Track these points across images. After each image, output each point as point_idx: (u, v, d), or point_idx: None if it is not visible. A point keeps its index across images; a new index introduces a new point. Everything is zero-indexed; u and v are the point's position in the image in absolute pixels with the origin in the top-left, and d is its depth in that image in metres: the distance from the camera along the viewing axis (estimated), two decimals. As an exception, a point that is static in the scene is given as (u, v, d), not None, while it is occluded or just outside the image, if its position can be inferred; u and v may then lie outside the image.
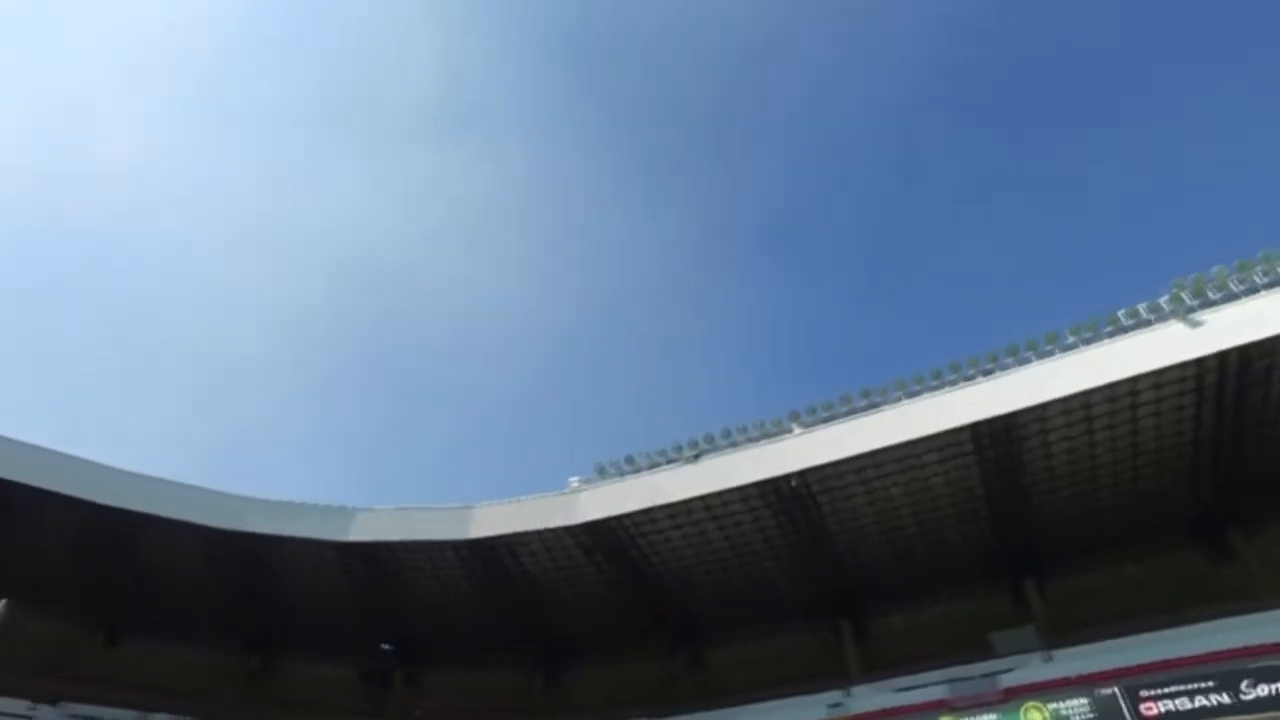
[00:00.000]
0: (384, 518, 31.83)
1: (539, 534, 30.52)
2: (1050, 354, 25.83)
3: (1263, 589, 26.47)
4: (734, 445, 28.25)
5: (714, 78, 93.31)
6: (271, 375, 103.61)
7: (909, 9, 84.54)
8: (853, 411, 27.07)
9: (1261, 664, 22.27)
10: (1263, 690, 21.59)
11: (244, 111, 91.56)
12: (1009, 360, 26.06)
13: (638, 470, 29.80)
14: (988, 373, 26.07)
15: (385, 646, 35.41)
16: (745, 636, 33.34)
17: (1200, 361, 24.09)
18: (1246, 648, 23.20)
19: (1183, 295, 25.31)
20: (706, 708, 31.27)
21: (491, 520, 30.82)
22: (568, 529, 29.95)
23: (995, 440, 25.77)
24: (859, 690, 28.85)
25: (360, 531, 31.28)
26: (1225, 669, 22.59)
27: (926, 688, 27.44)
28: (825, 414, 27.47)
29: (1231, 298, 24.87)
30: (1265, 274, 24.61)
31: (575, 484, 30.42)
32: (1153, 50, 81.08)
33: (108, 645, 33.87)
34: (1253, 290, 24.59)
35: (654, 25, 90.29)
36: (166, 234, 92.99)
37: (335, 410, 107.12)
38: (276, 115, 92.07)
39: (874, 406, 26.80)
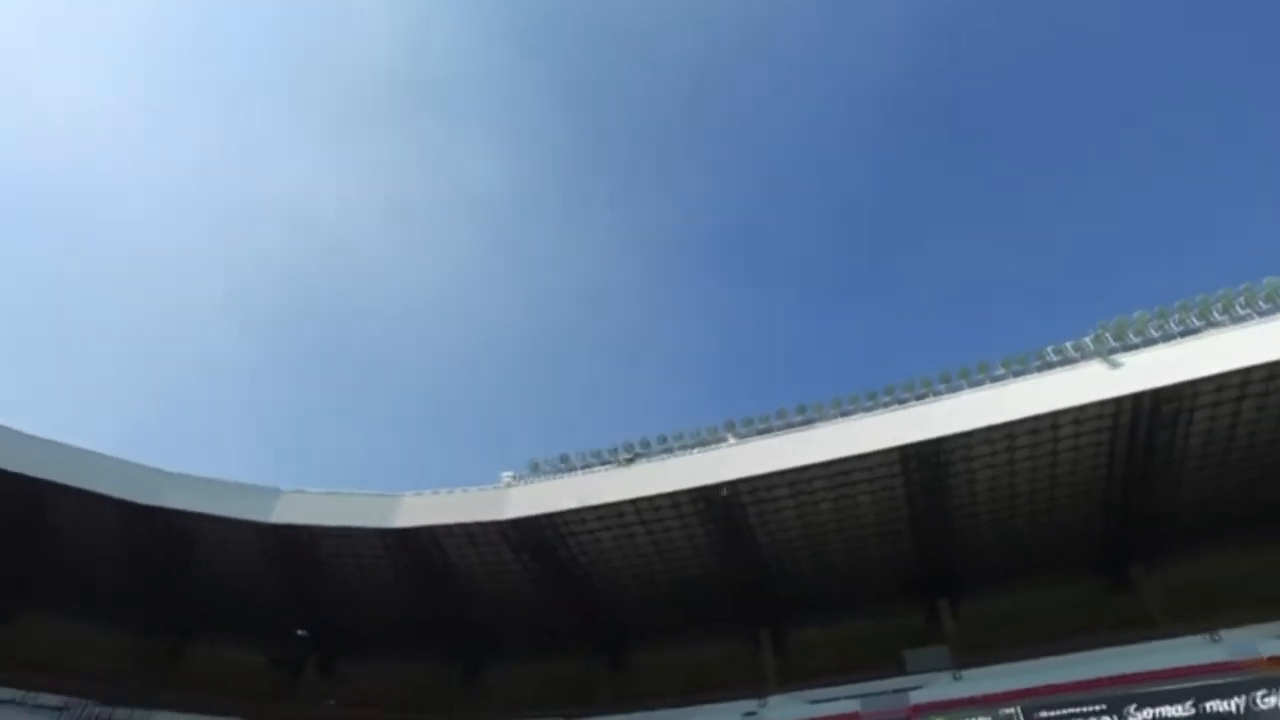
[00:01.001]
0: (310, 501, 30.97)
1: (467, 527, 30.12)
2: (980, 383, 26.63)
3: (1156, 620, 27.83)
4: (668, 451, 28.38)
5: (679, 82, 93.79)
6: (205, 349, 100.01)
7: (871, 35, 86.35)
8: (788, 426, 27.46)
9: (1148, 690, 23.45)
10: (1146, 714, 22.77)
11: (195, 79, 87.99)
12: (941, 387, 26.78)
13: (571, 470, 29.66)
14: (920, 397, 26.74)
15: (300, 632, 34.44)
16: (668, 641, 33.45)
17: (1118, 401, 25.16)
18: (1136, 674, 24.44)
19: (1106, 336, 26.44)
20: (625, 710, 31.30)
21: (420, 510, 30.29)
22: (497, 524, 29.63)
23: (923, 464, 26.43)
24: (774, 700, 29.27)
25: (284, 514, 30.37)
26: (1115, 694, 23.74)
27: (839, 701, 27.99)
28: (761, 426, 27.79)
29: (1149, 343, 26.09)
30: (1180, 322, 25.87)
31: (507, 479, 30.12)
32: (1096, 98, 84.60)
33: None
34: (1168, 337, 25.85)
35: (625, 24, 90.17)
36: (104, 198, 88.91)
37: (269, 389, 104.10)
38: (230, 84, 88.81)
39: (809, 422, 27.23)
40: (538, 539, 30.09)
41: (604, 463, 29.17)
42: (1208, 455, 26.78)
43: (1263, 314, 25.23)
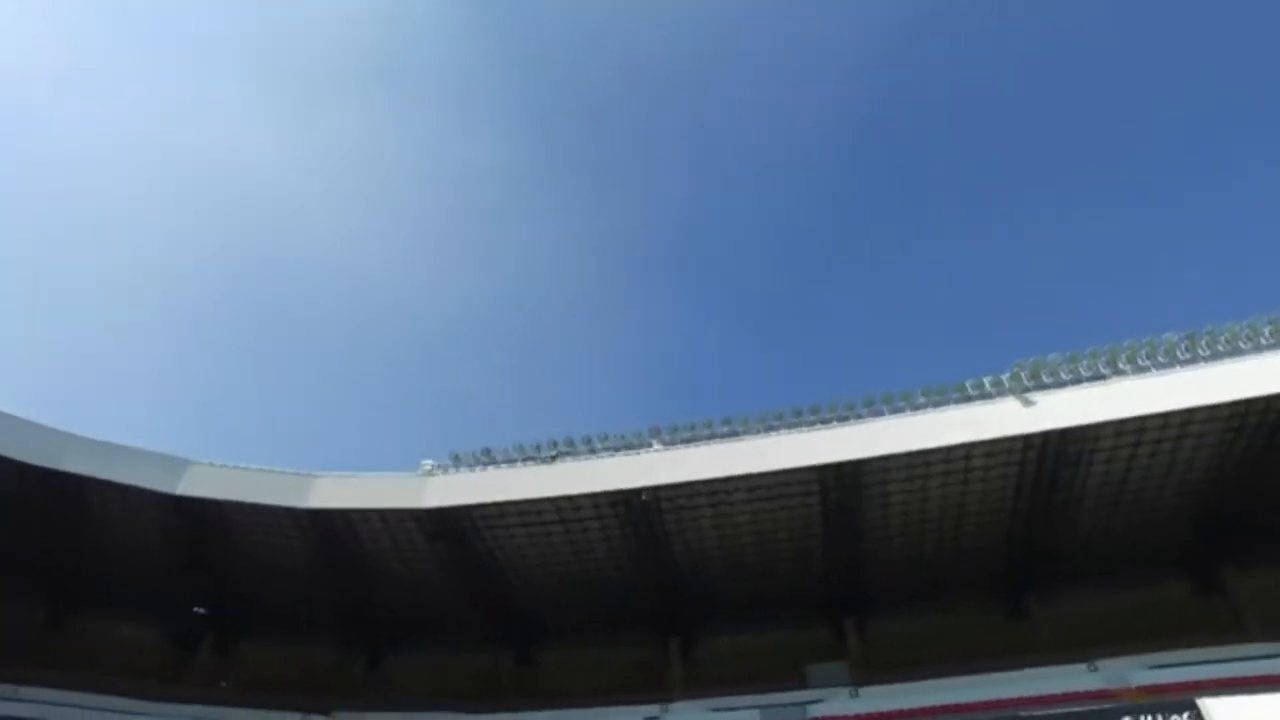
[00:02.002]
0: (219, 475, 29.75)
1: (383, 513, 29.48)
2: (901, 410, 27.39)
3: (1045, 647, 29.17)
4: (593, 452, 28.34)
5: (642, 91, 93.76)
6: (123, 309, 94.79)
7: (826, 61, 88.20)
8: (713, 436, 27.76)
9: (1034, 713, 24.55)
10: (1028, 737, 23.89)
11: (141, 32, 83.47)
12: (864, 410, 27.46)
13: (494, 463, 29.33)
14: (843, 419, 27.35)
15: (198, 610, 33.14)
16: (578, 641, 33.41)
17: (1027, 438, 26.28)
18: (1023, 698, 25.62)
19: (1022, 375, 27.51)
20: (530, 708, 31.12)
21: (335, 492, 29.46)
22: (413, 512, 29.06)
23: (840, 484, 27.07)
24: (677, 706, 29.55)
25: (191, 485, 29.09)
26: (1003, 716, 24.79)
27: (739, 711, 28.47)
28: (687, 435, 28.02)
29: (1060, 384, 27.27)
30: (1089, 368, 27.14)
31: (428, 468, 29.59)
32: (1041, 138, 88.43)
33: None
34: (1077, 380, 27.07)
35: (596, 24, 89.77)
36: (32, 141, 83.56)
37: (188, 355, 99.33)
38: (175, 39, 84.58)
39: (734, 435, 27.57)
40: (454, 530, 29.66)
41: (527, 459, 28.94)
42: (1102, 496, 28.21)
43: (1160, 367, 26.73)
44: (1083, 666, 27.60)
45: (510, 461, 29.38)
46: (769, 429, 27.42)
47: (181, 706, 30.09)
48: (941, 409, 27.22)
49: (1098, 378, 27.37)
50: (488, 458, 29.55)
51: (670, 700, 30.06)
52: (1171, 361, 27.06)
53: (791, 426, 27.40)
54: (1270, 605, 28.08)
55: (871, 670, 29.92)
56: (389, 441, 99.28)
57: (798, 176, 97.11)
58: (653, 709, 29.63)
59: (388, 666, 34.96)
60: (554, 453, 28.41)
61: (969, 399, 27.39)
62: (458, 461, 30.07)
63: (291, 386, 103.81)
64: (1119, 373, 27.31)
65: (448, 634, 33.82)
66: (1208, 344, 26.91)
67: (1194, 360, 26.86)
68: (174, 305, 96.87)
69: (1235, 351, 26.70)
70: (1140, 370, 27.21)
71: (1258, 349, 26.28)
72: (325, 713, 30.42)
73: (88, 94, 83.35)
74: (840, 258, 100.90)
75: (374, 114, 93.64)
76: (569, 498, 28.00)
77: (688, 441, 27.73)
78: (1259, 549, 28.84)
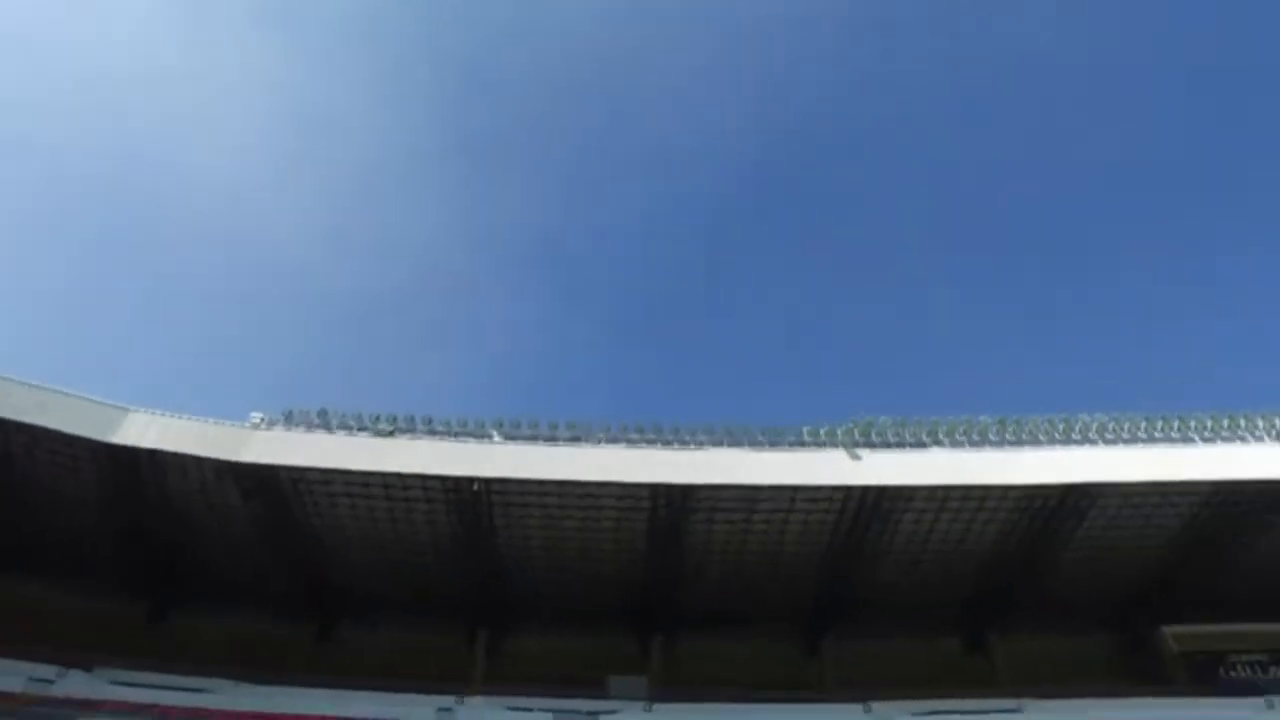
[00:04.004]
0: (15, 394, 26.90)
1: (199, 460, 27.62)
2: (739, 444, 28.57)
3: (830, 686, 31.25)
4: (433, 434, 27.78)
5: (550, 84, 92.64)
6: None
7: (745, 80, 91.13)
8: (555, 439, 27.88)
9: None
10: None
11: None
12: (704, 438, 28.44)
13: (328, 428, 28.13)
14: (684, 443, 28.20)
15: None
16: (383, 622, 32.48)
17: (849, 489, 28.08)
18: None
19: (854, 431, 29.45)
20: (323, 684, 29.87)
21: (147, 430, 27.23)
22: (232, 464, 27.38)
23: (671, 505, 27.84)
24: (474, 701, 29.25)
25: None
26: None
27: (534, 713, 28.60)
28: (530, 433, 28.00)
29: (886, 445, 29.36)
30: (912, 435, 29.38)
31: (257, 420, 28.00)
32: (922, 197, 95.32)
33: None
34: (901, 444, 29.23)
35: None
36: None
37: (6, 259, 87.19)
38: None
39: (575, 440, 27.81)
40: (274, 491, 28.17)
41: (363, 429, 27.97)
42: (905, 552, 30.55)
43: (973, 444, 29.32)
44: (859, 707, 29.69)
45: (346, 429, 28.26)
46: (611, 440, 27.88)
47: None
48: (777, 449, 28.65)
49: (919, 445, 29.65)
50: (322, 421, 28.31)
51: (468, 693, 29.78)
52: (982, 441, 29.74)
53: (633, 442, 27.99)
54: (1021, 667, 31.62)
55: (670, 688, 30.84)
56: (218, 387, 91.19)
57: (684, 205, 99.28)
58: (449, 699, 29.23)
59: (175, 621, 32.60)
60: (391, 428, 27.63)
61: (803, 444, 28.97)
62: (290, 419, 28.61)
63: (116, 307, 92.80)
64: (938, 443, 29.71)
65: (248, 597, 31.94)
66: (1013, 430, 29.82)
67: (1000, 444, 29.66)
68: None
69: (1034, 441, 29.73)
70: (956, 444, 29.72)
71: (1051, 442, 29.41)
72: (88, 669, 28.01)
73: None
74: (710, 288, 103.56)
75: (267, 52, 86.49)
76: (400, 476, 27.25)
77: (529, 439, 27.72)
78: (1018, 619, 32.27)
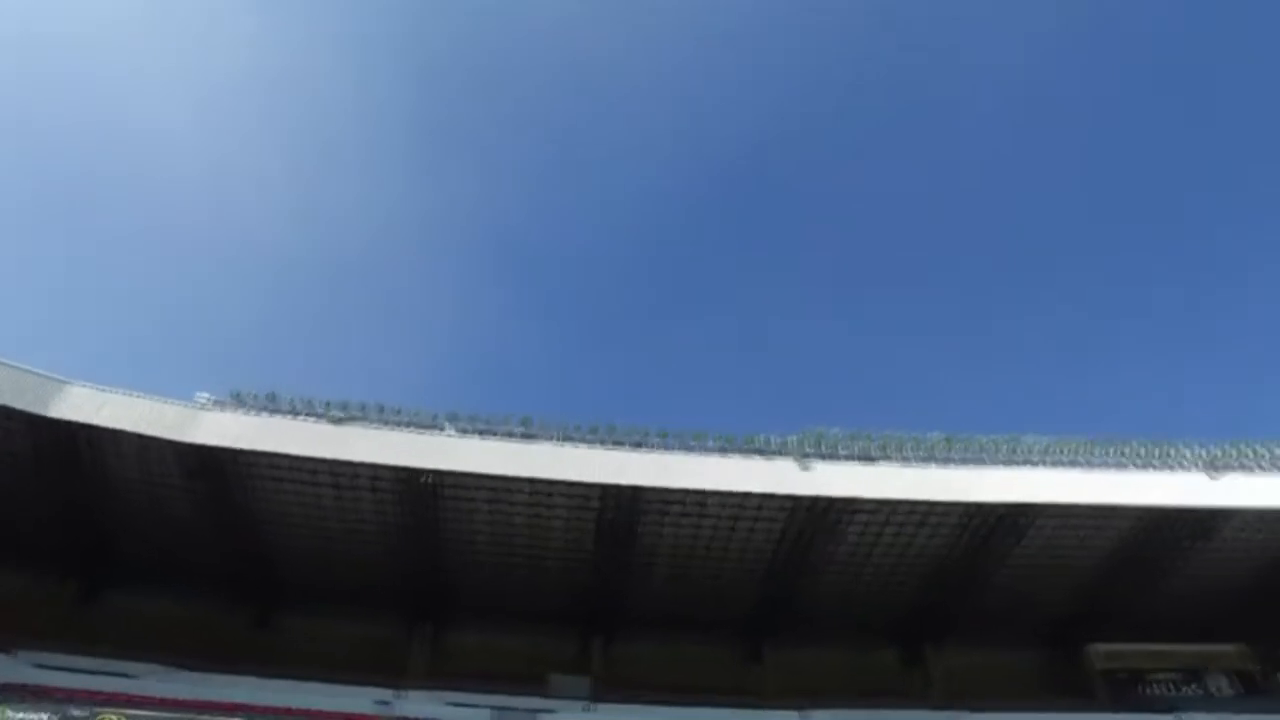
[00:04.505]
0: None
1: (142, 438, 26.89)
2: (693, 449, 28.81)
3: (770, 692, 31.68)
4: (384, 423, 27.43)
5: (524, 77, 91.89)
6: None
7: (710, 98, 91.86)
8: (508, 435, 27.77)
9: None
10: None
11: None
12: (657, 441, 28.63)
13: (278, 412, 27.62)
14: (636, 445, 28.33)
15: None
16: (324, 612, 31.97)
17: (798, 499, 28.49)
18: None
19: (805, 442, 29.89)
20: (261, 673, 29.27)
21: (87, 404, 26.44)
22: (175, 444, 26.74)
23: (620, 506, 28.00)
24: (413, 695, 29.02)
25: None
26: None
27: (473, 708, 28.48)
28: (482, 427, 27.84)
29: (836, 457, 29.87)
30: (862, 449, 29.95)
31: (204, 400, 27.39)
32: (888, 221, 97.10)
33: None
34: (851, 457, 29.77)
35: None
36: None
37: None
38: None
39: (528, 437, 27.75)
40: (218, 472, 27.61)
41: (314, 414, 27.53)
42: (849, 564, 31.14)
43: (920, 461, 29.96)
44: (796, 715, 30.18)
45: (295, 414, 27.78)
46: (564, 439, 27.88)
47: None
48: (729, 456, 28.94)
49: (868, 458, 30.21)
50: (272, 404, 27.80)
51: (408, 686, 29.52)
52: (930, 458, 30.40)
53: (586, 441, 28.03)
54: (955, 679, 32.49)
55: (611, 688, 30.92)
56: (158, 360, 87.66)
57: (651, 206, 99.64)
58: (387, 692, 28.96)
59: (107, 604, 31.63)
60: (343, 415, 27.23)
61: (755, 452, 29.30)
62: (239, 401, 28.04)
63: (52, 270, 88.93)
64: (886, 458, 30.28)
65: (185, 580, 31.16)
66: (960, 449, 30.55)
67: (947, 461, 30.36)
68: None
69: (979, 460, 30.49)
70: (904, 460, 30.33)
71: (995, 461, 30.22)
72: (8, 652, 27.03)
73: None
74: (670, 292, 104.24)
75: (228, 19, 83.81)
76: (350, 464, 26.94)
77: (482, 434, 27.57)
78: (954, 633, 33.13)
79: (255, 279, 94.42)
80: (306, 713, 27.39)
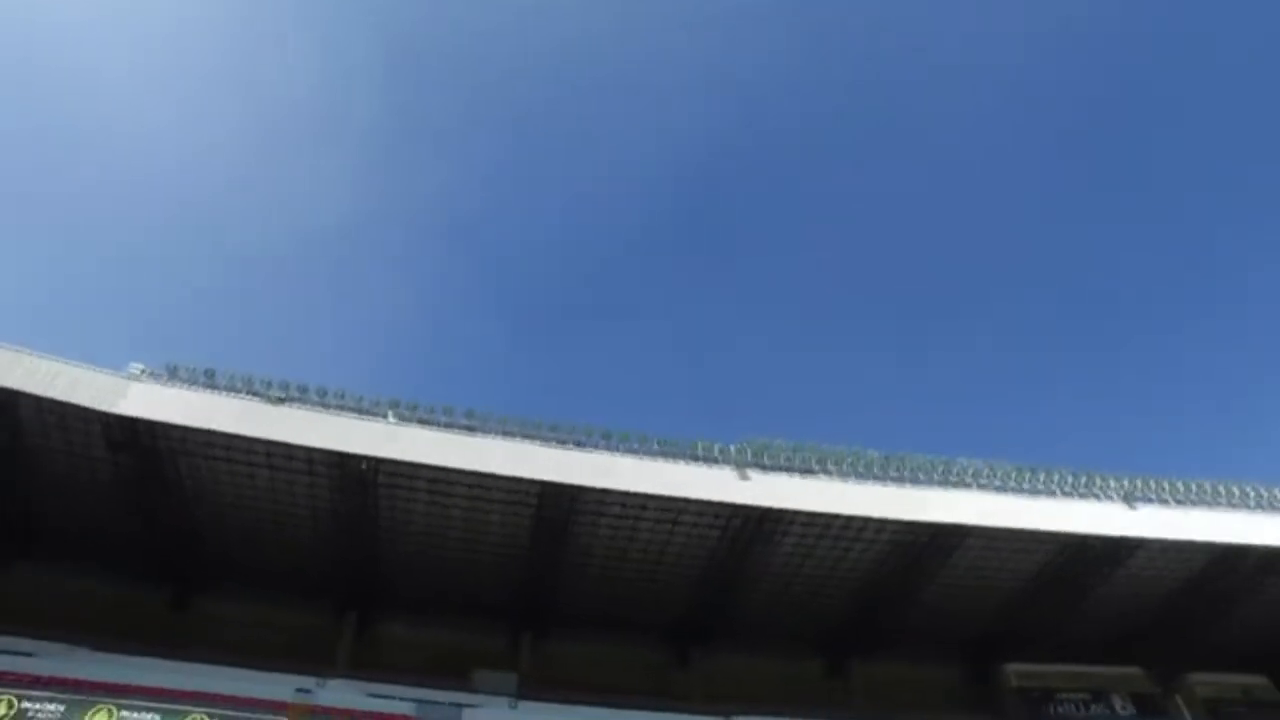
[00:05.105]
0: None
1: (66, 405, 25.87)
2: (634, 451, 28.99)
3: (696, 698, 32.07)
4: (324, 407, 26.94)
5: (487, 67, 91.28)
6: None
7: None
8: (451, 425, 27.53)
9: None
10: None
11: None
12: (600, 441, 28.74)
13: (215, 388, 26.91)
14: (580, 444, 28.39)
15: None
16: (246, 596, 31.14)
17: (736, 507, 28.81)
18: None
19: (747, 451, 30.35)
20: (173, 655, 28.41)
21: (8, 368, 25.43)
22: (103, 414, 25.81)
23: (559, 505, 27.92)
24: (335, 684, 28.45)
25: None
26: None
27: (395, 700, 28.00)
28: (425, 416, 27.56)
29: (777, 468, 30.38)
30: (803, 460, 30.58)
31: (137, 371, 26.50)
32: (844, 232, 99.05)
33: None
34: (791, 469, 30.33)
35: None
36: None
37: None
38: None
39: (472, 430, 27.56)
40: (147, 447, 26.67)
41: (253, 393, 26.87)
42: (782, 574, 31.65)
43: (858, 476, 30.67)
44: None
45: (234, 390, 27.09)
46: (506, 434, 27.79)
47: None
48: (670, 460, 29.16)
49: (808, 471, 30.81)
50: (208, 379, 27.05)
51: (331, 675, 28.98)
52: (867, 474, 31.13)
53: (530, 437, 27.97)
54: (877, 692, 33.43)
55: (538, 686, 30.84)
56: (90, 332, 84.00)
57: (608, 206, 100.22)
58: (309, 680, 28.33)
59: (15, 577, 30.32)
60: (282, 395, 26.65)
61: (696, 458, 29.61)
62: (174, 375, 27.22)
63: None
64: (825, 471, 30.93)
65: (98, 555, 30.03)
66: (896, 467, 31.37)
67: (884, 478, 31.11)
68: None
69: (915, 479, 31.34)
70: (843, 475, 31.00)
71: (930, 482, 31.10)
72: None
73: None
74: (621, 294, 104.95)
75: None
76: (286, 445, 26.24)
77: (424, 423, 27.29)
78: (879, 647, 34.02)
79: (200, 254, 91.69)
80: (223, 698, 26.57)
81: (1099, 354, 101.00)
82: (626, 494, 27.98)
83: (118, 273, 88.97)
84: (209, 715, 25.51)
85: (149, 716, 25.23)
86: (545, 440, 28.01)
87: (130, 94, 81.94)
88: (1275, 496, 32.24)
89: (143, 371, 26.74)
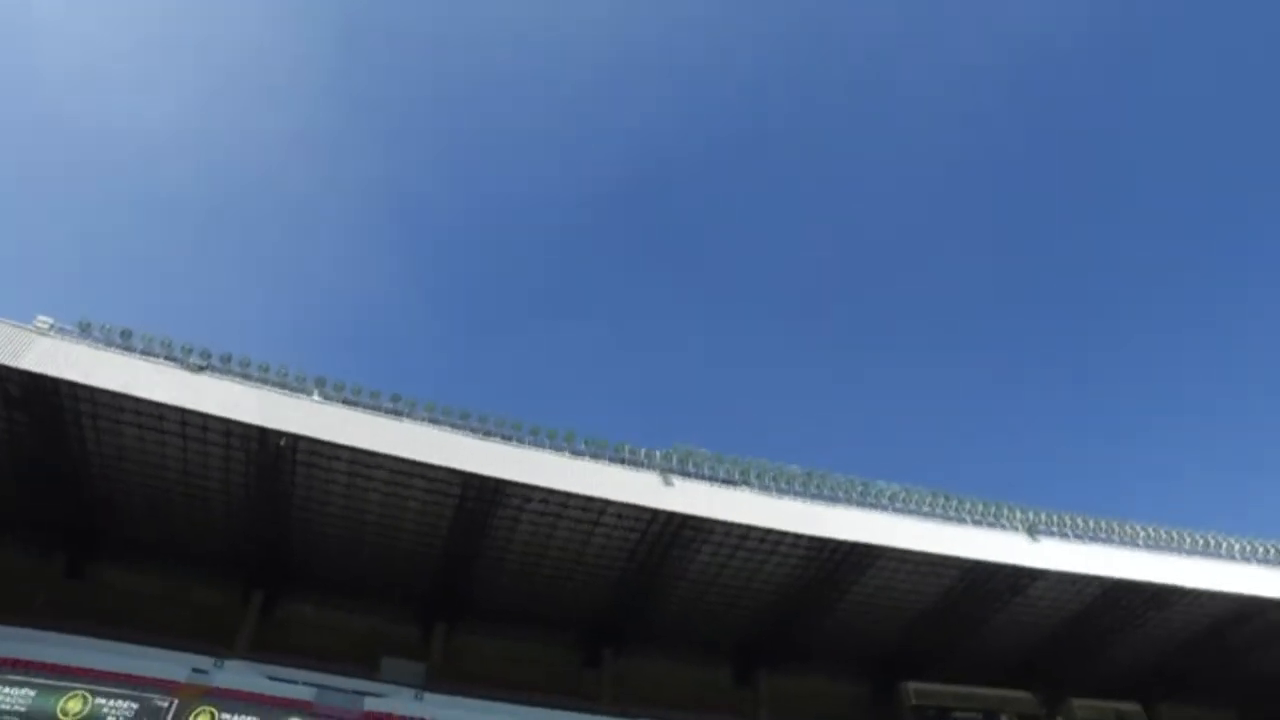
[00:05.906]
0: None
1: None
2: (560, 449, 29.03)
3: (607, 699, 32.22)
4: (246, 378, 26.18)
5: (450, 49, 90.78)
6: None
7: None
8: (376, 409, 27.14)
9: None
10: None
11: None
12: (527, 436, 28.74)
13: (129, 350, 25.86)
14: (506, 438, 28.33)
15: None
16: (152, 569, 30.04)
17: (656, 512, 29.06)
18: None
19: (673, 457, 30.71)
20: (62, 628, 27.03)
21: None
22: (4, 367, 24.53)
23: (481, 496, 27.77)
24: (234, 665, 27.61)
25: None
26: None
27: (296, 685, 27.31)
28: (350, 397, 27.07)
29: (700, 476, 30.81)
30: (726, 471, 31.04)
31: (44, 325, 25.28)
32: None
33: None
34: (714, 478, 30.77)
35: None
36: None
37: None
38: None
39: (397, 414, 27.22)
40: (51, 405, 25.49)
41: (170, 358, 25.92)
42: (698, 581, 32.05)
43: (780, 492, 31.29)
44: (625, 720, 30.77)
45: (151, 354, 26.10)
46: (433, 421, 27.51)
47: None
48: (595, 460, 29.29)
49: (730, 481, 31.30)
50: (124, 340, 25.98)
51: (231, 655, 28.10)
52: (788, 489, 31.77)
53: (456, 427, 27.76)
54: (782, 703, 34.12)
55: (447, 678, 30.52)
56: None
57: (558, 201, 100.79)
58: (206, 660, 27.41)
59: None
60: (203, 363, 25.81)
61: (622, 460, 29.81)
62: (86, 331, 26.07)
63: None
64: (747, 483, 31.46)
65: (-7, 519, 28.60)
66: (816, 484, 32.10)
67: (804, 494, 31.79)
68: None
69: (833, 497, 32.12)
70: (764, 488, 31.56)
71: (848, 501, 31.93)
72: None
73: None
74: (558, 291, 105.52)
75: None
76: (201, 415, 25.41)
77: (350, 404, 26.82)
78: (786, 658, 34.75)
79: (120, 201, 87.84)
80: (110, 675, 25.42)
81: (1009, 386, 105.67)
82: (550, 491, 27.92)
83: (30, 222, 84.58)
84: (90, 693, 24.43)
85: (23, 692, 24.10)
86: (472, 431, 27.85)
87: (64, 39, 78.30)
88: (1163, 536, 34.15)
89: (50, 326, 25.55)
